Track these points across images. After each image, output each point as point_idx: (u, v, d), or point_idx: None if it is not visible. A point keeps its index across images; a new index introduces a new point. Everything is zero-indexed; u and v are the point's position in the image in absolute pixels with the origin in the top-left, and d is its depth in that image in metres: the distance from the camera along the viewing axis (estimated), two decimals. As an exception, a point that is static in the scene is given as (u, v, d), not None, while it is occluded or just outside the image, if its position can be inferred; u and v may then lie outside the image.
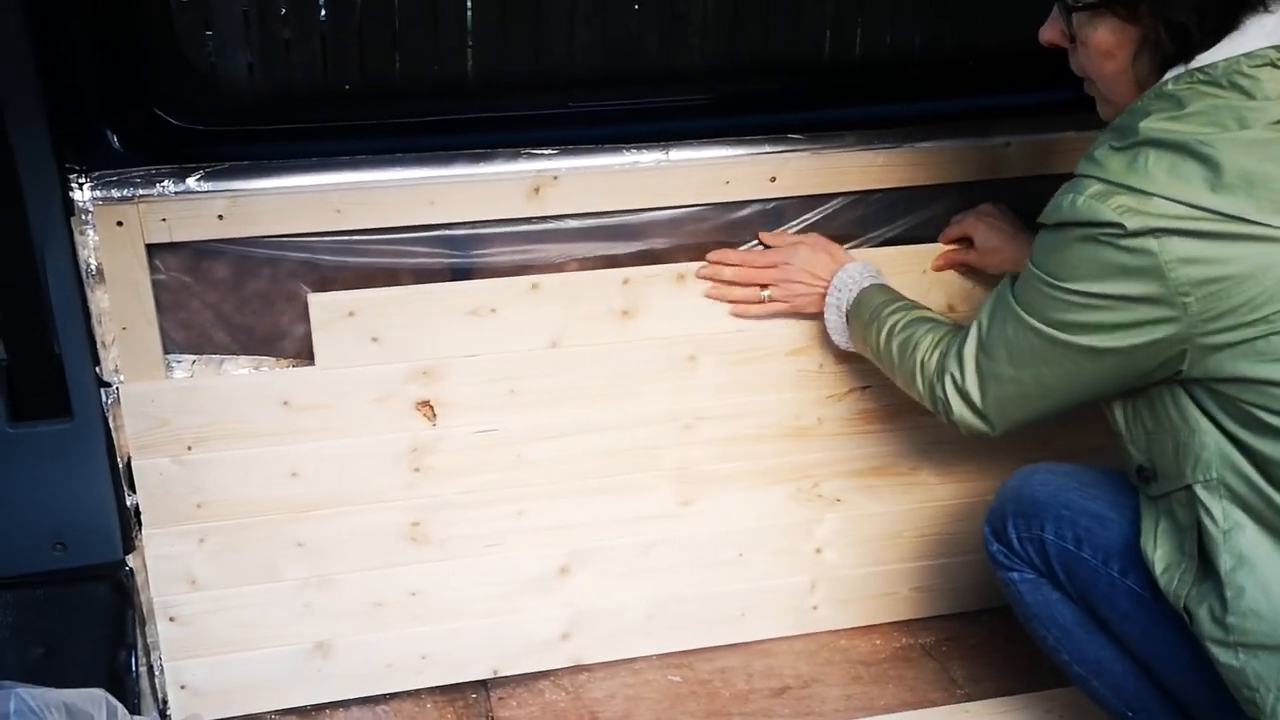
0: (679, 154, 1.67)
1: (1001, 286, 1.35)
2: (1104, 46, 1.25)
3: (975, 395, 1.37)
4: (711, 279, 1.70)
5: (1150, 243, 1.16)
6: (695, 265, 1.69)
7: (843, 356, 1.76)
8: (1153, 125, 1.18)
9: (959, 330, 1.44)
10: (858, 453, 1.83)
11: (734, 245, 1.73)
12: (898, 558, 1.91)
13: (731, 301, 1.71)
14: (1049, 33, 1.33)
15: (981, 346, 1.36)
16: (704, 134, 1.69)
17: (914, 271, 1.76)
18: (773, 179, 1.70)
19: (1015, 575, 1.49)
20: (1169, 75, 1.21)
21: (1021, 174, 1.76)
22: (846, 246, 1.75)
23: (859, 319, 1.60)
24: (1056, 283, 1.24)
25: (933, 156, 1.74)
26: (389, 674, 1.77)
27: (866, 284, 1.62)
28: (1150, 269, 1.16)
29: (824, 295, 1.66)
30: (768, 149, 1.70)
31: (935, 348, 1.45)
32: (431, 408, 1.67)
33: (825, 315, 1.67)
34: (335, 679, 1.76)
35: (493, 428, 1.70)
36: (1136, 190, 1.16)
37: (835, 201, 1.74)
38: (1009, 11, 1.81)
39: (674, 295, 1.69)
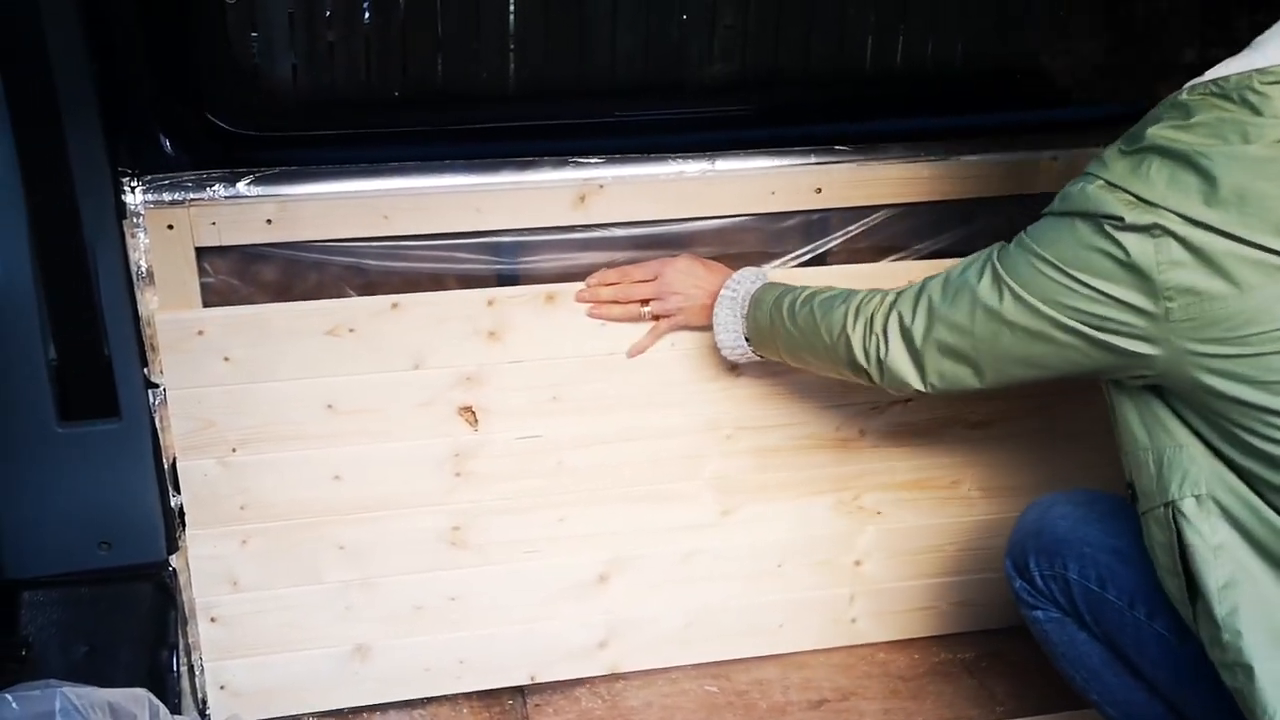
0: (724, 164, 1.68)
1: (987, 250, 1.32)
2: None
3: (918, 337, 1.33)
4: (590, 300, 1.66)
5: (1147, 240, 1.14)
6: (566, 286, 1.65)
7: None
8: (1159, 133, 1.17)
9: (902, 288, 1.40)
10: (899, 465, 1.82)
11: (778, 255, 1.72)
12: (938, 571, 1.89)
13: (613, 320, 1.66)
14: None
15: (944, 290, 1.32)
16: (749, 144, 1.69)
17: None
18: (818, 190, 1.70)
19: (1040, 614, 1.47)
20: (1186, 85, 1.21)
21: (1068, 187, 1.75)
22: (891, 258, 1.74)
23: (763, 304, 1.53)
24: (1051, 260, 1.22)
25: (978, 170, 1.73)
26: (427, 678, 1.78)
27: (768, 279, 1.59)
28: (1143, 265, 1.15)
29: (709, 305, 1.60)
30: (813, 160, 1.70)
31: (875, 296, 1.40)
32: (474, 413, 1.67)
33: (715, 315, 1.59)
34: (373, 682, 1.76)
35: (535, 434, 1.70)
36: (1137, 196, 1.16)
37: (880, 213, 1.74)
38: (1054, 25, 1.81)
39: (541, 316, 1.65)
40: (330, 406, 1.63)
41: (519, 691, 1.81)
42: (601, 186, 1.64)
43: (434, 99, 1.67)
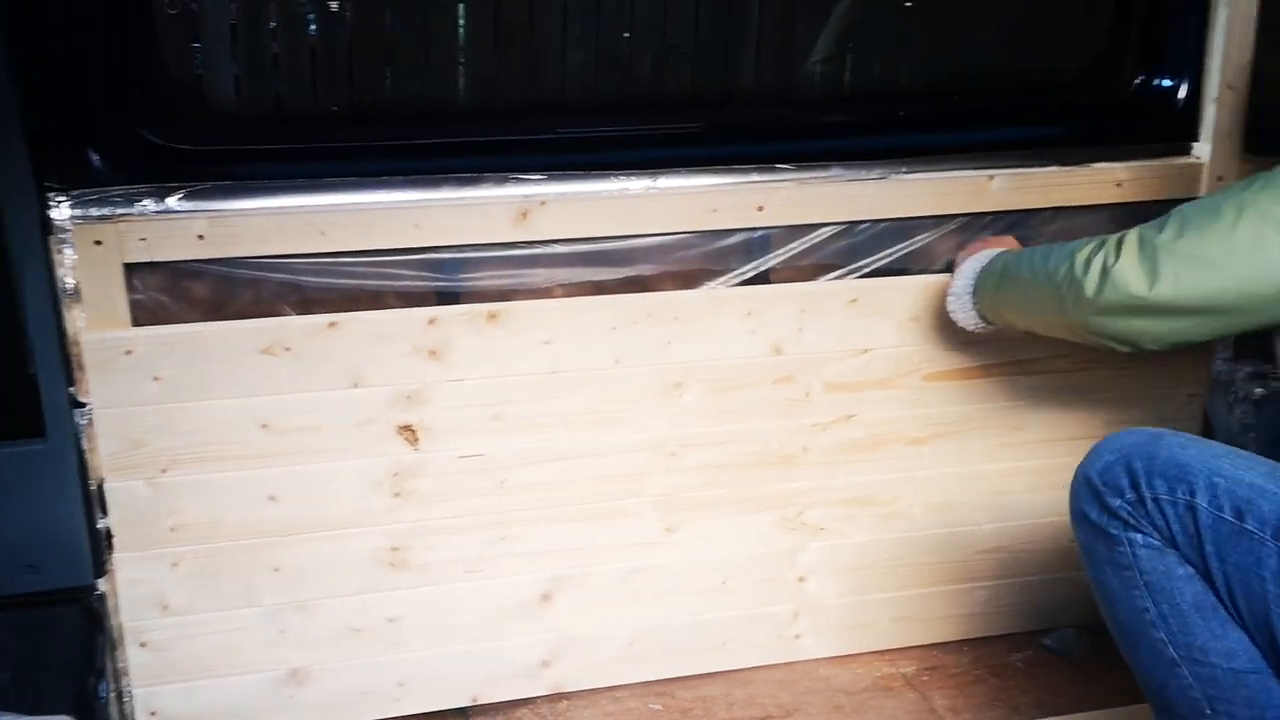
0: (667, 182, 1.67)
1: (1253, 175, 1.33)
2: None
3: (1163, 244, 1.32)
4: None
5: None
6: (508, 305, 1.63)
7: (830, 386, 1.77)
8: None
9: None
10: (842, 482, 1.83)
11: (721, 273, 1.72)
12: (880, 587, 1.90)
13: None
14: None
15: (1200, 206, 1.33)
16: (692, 162, 1.69)
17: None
18: (760, 208, 1.70)
19: (1139, 537, 1.35)
20: None
21: (1004, 207, 1.78)
22: (830, 276, 1.76)
23: (994, 262, 1.59)
24: None
25: (917, 188, 1.75)
26: (365, 702, 1.74)
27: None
28: None
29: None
30: (755, 178, 1.70)
31: (1115, 234, 1.39)
32: (414, 432, 1.65)
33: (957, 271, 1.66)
34: (310, 707, 1.73)
35: (477, 453, 1.68)
36: None
37: (822, 231, 1.74)
38: (995, 46, 1.83)
39: (483, 335, 1.63)
40: (265, 426, 1.60)
41: (461, 713, 1.78)
42: (543, 203, 1.63)
43: (378, 114, 1.65)
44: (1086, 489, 1.40)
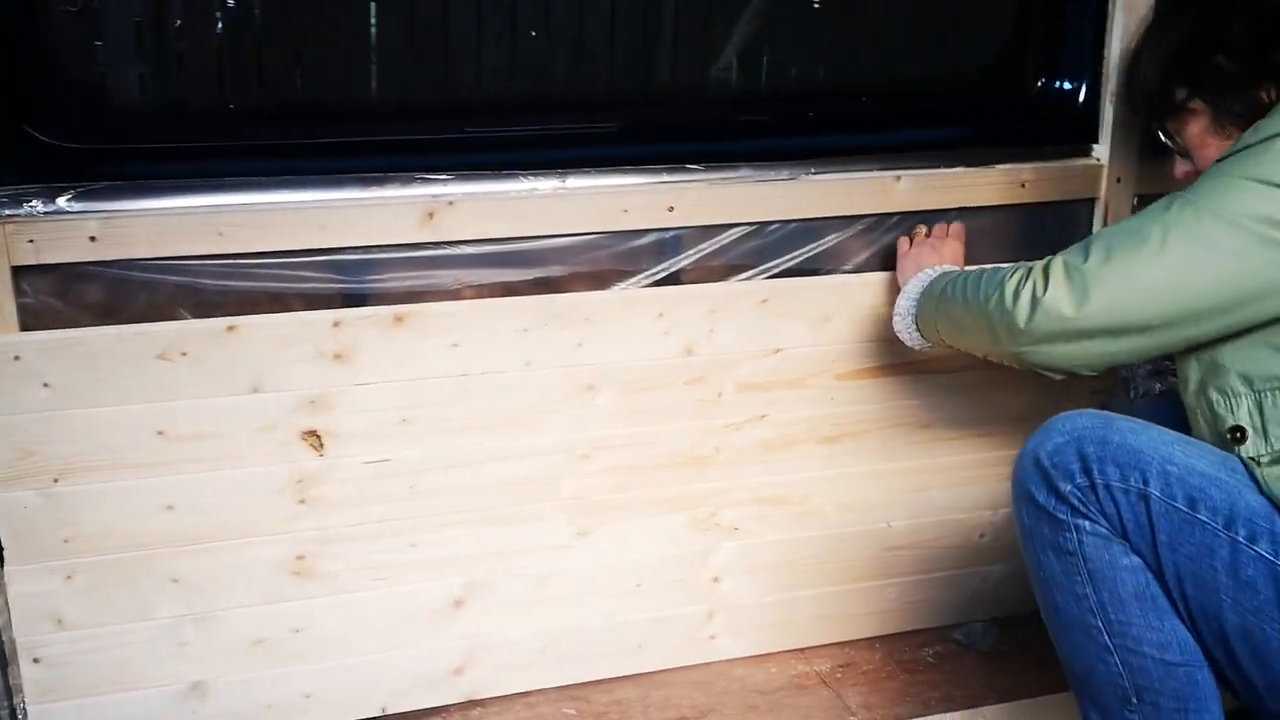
0: (576, 182, 1.66)
1: (1164, 199, 1.37)
2: (1196, 138, 1.50)
3: (1091, 268, 1.34)
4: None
5: None
6: (415, 307, 1.61)
7: (742, 387, 1.77)
8: None
9: None
10: (755, 481, 1.84)
11: (632, 274, 1.72)
12: (795, 586, 1.91)
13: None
14: (1178, 168, 1.55)
15: (1123, 231, 1.36)
16: (603, 163, 1.68)
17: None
18: (671, 209, 1.70)
19: (1086, 524, 1.35)
20: None
21: (911, 208, 1.80)
22: (741, 276, 1.76)
23: (935, 282, 1.61)
24: (1265, 180, 1.29)
25: (826, 189, 1.76)
26: (270, 715, 1.70)
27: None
28: None
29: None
30: (666, 178, 1.70)
31: (1039, 260, 1.41)
32: (319, 438, 1.62)
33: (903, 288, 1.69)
34: (213, 721, 1.68)
35: (384, 458, 1.65)
36: None
37: (733, 232, 1.75)
38: (902, 50, 1.86)
39: (389, 338, 1.60)
40: (161, 433, 1.55)
41: (371, 723, 1.75)
42: (451, 203, 1.61)
43: (280, 113, 1.61)
44: (1035, 470, 1.37)
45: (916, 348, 1.69)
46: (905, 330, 1.68)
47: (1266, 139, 1.33)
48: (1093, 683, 1.43)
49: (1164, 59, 1.53)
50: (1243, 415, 1.36)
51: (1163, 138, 1.56)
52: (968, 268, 1.64)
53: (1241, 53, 1.46)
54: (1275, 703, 1.33)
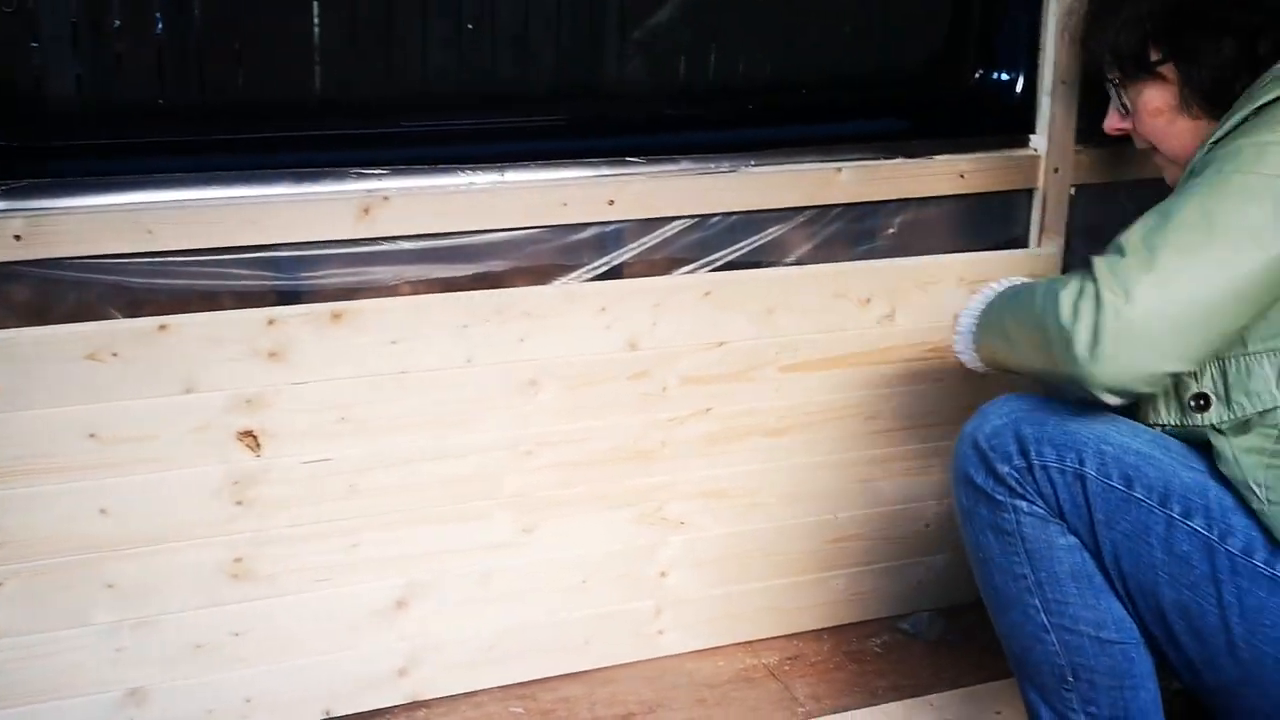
0: (515, 175, 1.65)
1: (1187, 185, 1.28)
2: (1151, 106, 1.46)
3: (1138, 262, 1.21)
4: None
5: None
6: (352, 304, 1.58)
7: (686, 380, 1.77)
8: None
9: None
10: (700, 475, 1.83)
11: (572, 268, 1.71)
12: (741, 579, 1.91)
13: None
14: (1111, 120, 1.54)
15: (1169, 217, 1.24)
16: (542, 156, 1.67)
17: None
18: (611, 202, 1.69)
19: (1024, 505, 1.35)
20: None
21: (853, 199, 1.81)
22: (683, 270, 1.76)
23: (991, 303, 1.49)
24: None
25: (767, 181, 1.76)
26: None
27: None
28: None
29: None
30: (605, 171, 1.69)
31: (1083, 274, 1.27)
32: (255, 438, 1.59)
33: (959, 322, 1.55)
34: (152, 728, 1.65)
35: (323, 457, 1.63)
36: None
37: (674, 225, 1.74)
38: (841, 42, 1.86)
39: (326, 335, 1.57)
40: (93, 435, 1.52)
41: (315, 726, 1.73)
42: (386, 198, 1.59)
43: (211, 109, 1.58)
44: (974, 452, 1.38)
45: (979, 370, 1.55)
46: (965, 350, 1.54)
47: (1261, 106, 1.30)
48: (1030, 661, 1.44)
49: (1155, 13, 1.45)
50: (1206, 382, 1.34)
51: (1110, 88, 1.51)
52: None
53: (1242, 37, 1.40)
54: (1212, 677, 1.35)
